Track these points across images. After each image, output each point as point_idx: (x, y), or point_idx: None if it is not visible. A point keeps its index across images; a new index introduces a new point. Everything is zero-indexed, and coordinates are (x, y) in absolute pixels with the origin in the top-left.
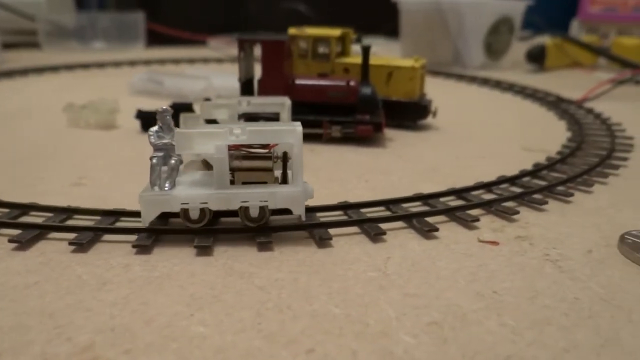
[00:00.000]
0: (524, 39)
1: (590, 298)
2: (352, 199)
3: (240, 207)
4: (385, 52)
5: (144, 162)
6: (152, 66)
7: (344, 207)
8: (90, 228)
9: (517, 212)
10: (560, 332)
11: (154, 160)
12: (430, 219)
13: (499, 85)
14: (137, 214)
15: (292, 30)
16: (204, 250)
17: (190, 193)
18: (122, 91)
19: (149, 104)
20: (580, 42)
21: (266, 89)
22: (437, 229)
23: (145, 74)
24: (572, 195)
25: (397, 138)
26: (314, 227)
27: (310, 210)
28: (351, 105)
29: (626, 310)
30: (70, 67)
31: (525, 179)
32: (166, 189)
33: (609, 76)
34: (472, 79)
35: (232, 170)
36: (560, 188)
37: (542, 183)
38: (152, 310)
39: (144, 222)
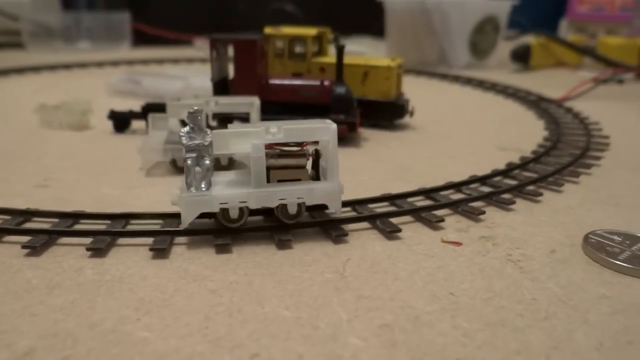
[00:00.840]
0: (509, 38)
1: (548, 299)
2: None
3: (278, 205)
4: (372, 52)
5: (112, 164)
6: (136, 66)
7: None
8: (45, 231)
9: (483, 212)
10: (512, 334)
11: (189, 162)
12: (395, 220)
13: (481, 84)
14: (96, 217)
15: (268, 30)
16: (160, 253)
17: (229, 192)
18: (102, 91)
19: (127, 105)
20: (565, 42)
21: (239, 88)
22: (399, 230)
23: (124, 74)
24: (541, 195)
25: (373, 137)
26: (275, 229)
27: (273, 212)
28: (325, 105)
29: (582, 310)
30: (52, 68)
31: (497, 178)
32: (203, 189)
33: (592, 75)
34: (456, 79)
35: (268, 168)
36: (530, 188)
37: (513, 183)
38: (98, 314)
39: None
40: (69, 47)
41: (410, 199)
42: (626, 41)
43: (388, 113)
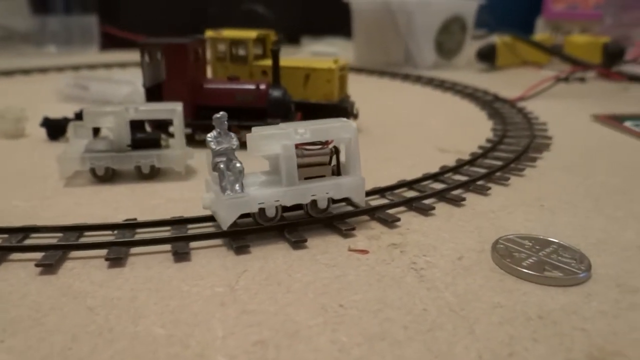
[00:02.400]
0: (478, 37)
1: (439, 309)
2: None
3: (310, 201)
4: (343, 53)
5: (33, 173)
6: (98, 70)
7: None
8: None
9: (398, 219)
10: (391, 348)
11: (222, 166)
12: (306, 228)
13: (441, 85)
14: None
15: (209, 33)
16: (48, 269)
17: (264, 192)
18: (52, 97)
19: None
20: (530, 41)
21: (171, 93)
22: (305, 240)
23: (72, 79)
24: (464, 199)
25: None
26: (175, 241)
27: (181, 222)
28: (262, 109)
29: (471, 321)
30: (9, 74)
31: (426, 182)
32: (238, 191)
33: (552, 74)
34: (418, 79)
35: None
36: (456, 192)
37: (440, 186)
38: None
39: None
40: (37, 51)
41: (334, 205)
42: (591, 39)
43: (330, 116)
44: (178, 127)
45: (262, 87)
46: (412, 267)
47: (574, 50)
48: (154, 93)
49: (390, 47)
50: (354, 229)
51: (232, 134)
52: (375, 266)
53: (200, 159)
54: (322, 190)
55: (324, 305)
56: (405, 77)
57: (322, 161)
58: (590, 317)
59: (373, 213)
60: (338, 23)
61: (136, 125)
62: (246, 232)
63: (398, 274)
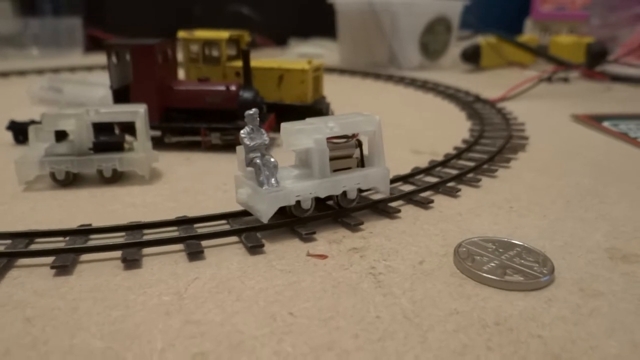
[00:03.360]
0: (463, 38)
1: (393, 316)
2: (198, 212)
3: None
4: (330, 54)
5: None
6: (78, 73)
7: (180, 222)
8: None
9: (361, 223)
10: (337, 358)
11: (258, 161)
12: (267, 232)
13: (424, 85)
14: None
15: (181, 34)
16: None
17: (300, 185)
18: (26, 100)
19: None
20: (514, 41)
21: (138, 95)
22: (262, 245)
23: (46, 81)
24: (432, 201)
25: None
26: (126, 247)
27: (137, 228)
28: (232, 111)
29: (425, 328)
30: None
31: (395, 184)
32: (275, 185)
33: (536, 74)
34: (401, 80)
35: None
36: (425, 194)
37: (409, 188)
38: None
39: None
40: (19, 53)
41: None
42: (575, 40)
43: (304, 118)
44: (141, 130)
45: (233, 88)
46: (370, 272)
47: (559, 50)
48: (121, 95)
49: (375, 48)
50: (314, 232)
51: (263, 130)
52: (332, 272)
53: (167, 162)
54: (352, 181)
55: (273, 314)
56: (389, 78)
57: (349, 153)
58: (549, 323)
59: (336, 216)
60: (326, 24)
61: (104, 128)
62: (203, 237)
63: (355, 279)
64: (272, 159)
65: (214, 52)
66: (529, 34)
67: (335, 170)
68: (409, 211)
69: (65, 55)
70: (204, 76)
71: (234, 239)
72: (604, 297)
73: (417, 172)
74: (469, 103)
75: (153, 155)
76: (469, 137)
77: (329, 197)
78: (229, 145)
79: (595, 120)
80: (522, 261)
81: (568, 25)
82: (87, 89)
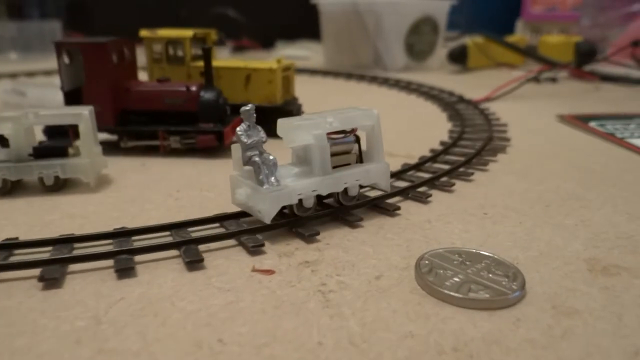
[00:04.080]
0: (451, 39)
1: (338, 342)
2: (142, 222)
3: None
4: (316, 56)
5: None
6: (54, 76)
7: (116, 234)
8: None
9: (317, 233)
10: None
11: (257, 159)
12: (214, 245)
13: (407, 86)
14: None
15: (143, 32)
16: None
17: (301, 183)
18: None
19: None
20: (502, 42)
21: (91, 97)
22: (201, 260)
23: (10, 85)
24: (398, 208)
25: None
26: (48, 264)
27: (67, 241)
28: (193, 113)
29: (372, 356)
30: None
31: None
32: (275, 184)
33: (521, 75)
34: (385, 81)
35: None
36: (392, 200)
37: (376, 194)
38: None
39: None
40: None
41: (246, 219)
42: (564, 39)
43: (273, 120)
44: (86, 134)
45: (193, 88)
46: (319, 289)
47: (547, 50)
48: (74, 97)
49: (360, 49)
50: (262, 245)
51: (259, 127)
52: (277, 289)
53: (121, 168)
54: (353, 177)
55: (200, 340)
56: (373, 79)
57: (348, 149)
58: (515, 348)
59: (291, 226)
60: (313, 26)
61: (57, 132)
62: (136, 251)
63: (301, 298)
64: (271, 157)
65: (179, 52)
66: (520, 34)
67: (334, 167)
68: (373, 219)
69: (43, 59)
70: (164, 76)
71: (174, 252)
72: (580, 315)
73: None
74: (451, 104)
75: (101, 161)
76: (447, 139)
77: (329, 195)
78: (190, 150)
79: (581, 121)
80: (490, 275)
81: (559, 26)
82: (51, 92)
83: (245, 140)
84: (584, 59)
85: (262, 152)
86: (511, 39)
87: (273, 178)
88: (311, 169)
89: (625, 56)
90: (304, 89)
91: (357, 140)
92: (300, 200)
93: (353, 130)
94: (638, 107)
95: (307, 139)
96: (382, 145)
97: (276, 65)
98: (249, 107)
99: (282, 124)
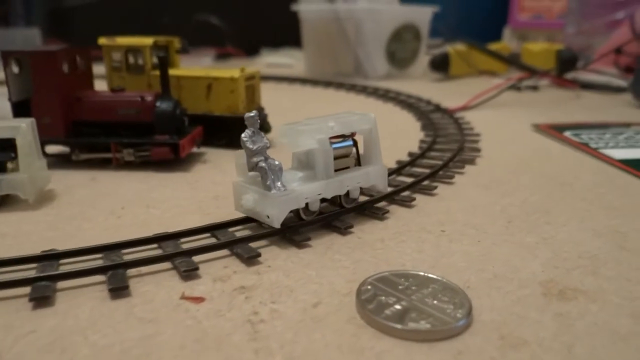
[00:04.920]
0: (435, 46)
1: None
2: (75, 243)
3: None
4: (299, 64)
5: None
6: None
7: (43, 257)
8: None
9: (258, 255)
10: None
11: (263, 165)
12: (146, 269)
13: (385, 95)
14: None
15: (102, 40)
16: None
17: (307, 187)
18: None
19: None
20: (485, 49)
21: (41, 108)
22: (125, 286)
23: None
24: (351, 226)
25: (215, 159)
26: None
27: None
28: (148, 124)
29: None
30: None
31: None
32: (282, 189)
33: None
34: (363, 89)
35: None
36: (347, 216)
37: (330, 210)
38: None
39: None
40: None
41: (185, 239)
42: (546, 47)
43: (237, 130)
44: (24, 148)
45: (149, 98)
46: (249, 319)
47: (530, 57)
48: (23, 108)
49: (340, 56)
50: (196, 269)
51: (262, 133)
52: (203, 320)
53: (69, 182)
54: (354, 180)
55: None
56: (351, 88)
57: (347, 152)
58: None
59: (232, 247)
60: (298, 34)
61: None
62: (56, 278)
63: (227, 330)
64: (276, 162)
65: (139, 60)
66: (507, 41)
67: (335, 171)
68: (322, 238)
69: None
70: (119, 86)
71: (100, 278)
72: (528, 346)
73: None
74: (427, 113)
75: (44, 176)
76: (417, 150)
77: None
78: (145, 163)
79: (556, 130)
80: (435, 302)
81: (545, 33)
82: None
83: (251, 146)
84: (565, 67)
85: (266, 157)
86: (494, 46)
87: (279, 183)
88: (314, 173)
89: (608, 64)
90: (280, 97)
91: (355, 143)
92: (307, 204)
93: (352, 134)
94: (616, 115)
95: (311, 143)
96: (380, 148)
97: (238, 74)
98: (252, 113)
99: (286, 129)
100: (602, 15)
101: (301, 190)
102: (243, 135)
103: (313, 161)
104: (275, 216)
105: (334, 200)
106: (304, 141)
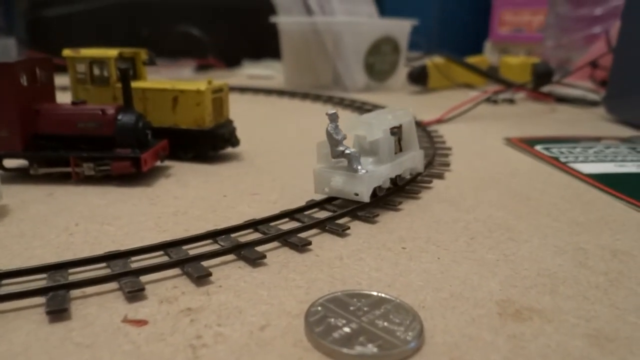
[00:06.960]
0: (414, 59)
1: None
2: (21, 263)
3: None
4: (277, 76)
5: None
6: None
7: None
8: None
9: (209, 274)
10: None
11: (349, 151)
12: (91, 290)
13: (362, 107)
14: None
15: (65, 52)
16: None
17: (380, 169)
18: None
19: None
20: (462, 62)
21: None
22: (64, 309)
23: None
24: (309, 243)
25: (178, 173)
26: None
27: None
28: (110, 138)
29: None
30: None
31: (276, 222)
32: (363, 171)
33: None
34: (340, 101)
35: None
36: (306, 233)
37: (290, 226)
38: None
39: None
40: None
41: (136, 257)
42: (523, 60)
43: (203, 144)
44: None
45: (110, 111)
46: (192, 343)
47: (507, 70)
48: None
49: (319, 68)
50: (142, 289)
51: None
52: (143, 344)
53: (25, 198)
54: (407, 163)
55: None
56: (328, 100)
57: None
58: None
59: (183, 266)
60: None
61: None
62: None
63: (166, 355)
64: (355, 150)
65: (104, 72)
66: (487, 55)
67: None
68: (279, 256)
69: None
70: (80, 99)
71: (40, 300)
72: None
73: (308, 206)
74: None
75: None
76: None
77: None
78: (107, 177)
79: (527, 144)
80: (386, 324)
81: (525, 47)
82: None
83: (336, 136)
84: (540, 80)
85: (347, 147)
86: (472, 59)
87: (359, 166)
88: (379, 158)
89: (585, 77)
90: (254, 110)
91: (396, 133)
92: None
93: (401, 125)
94: (589, 129)
95: (378, 133)
96: (416, 135)
97: (205, 86)
98: (333, 111)
99: (360, 123)
100: (579, 29)
101: (378, 170)
102: (329, 127)
103: (377, 148)
104: (365, 192)
105: (393, 180)
106: (376, 132)
